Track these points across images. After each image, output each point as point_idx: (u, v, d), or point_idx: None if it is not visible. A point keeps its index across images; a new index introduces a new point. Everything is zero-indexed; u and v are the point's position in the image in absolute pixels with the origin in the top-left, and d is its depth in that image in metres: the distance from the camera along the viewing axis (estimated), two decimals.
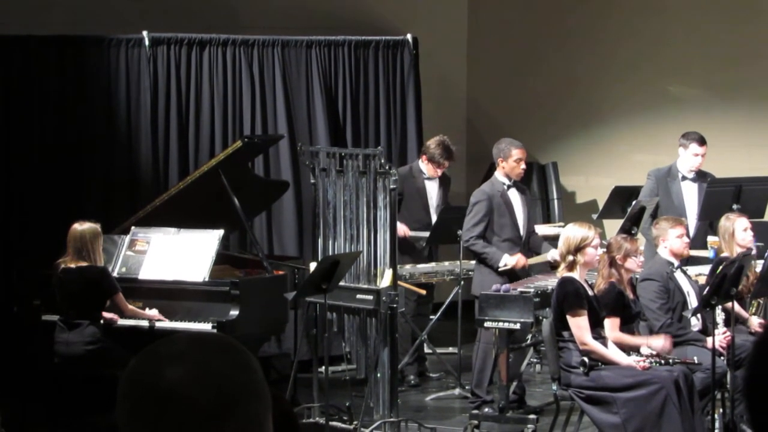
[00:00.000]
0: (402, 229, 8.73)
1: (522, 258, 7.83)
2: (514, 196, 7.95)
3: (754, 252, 7.49)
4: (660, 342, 6.76)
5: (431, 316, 9.31)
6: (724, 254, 7.48)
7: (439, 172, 8.99)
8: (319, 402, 7.58)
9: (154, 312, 7.43)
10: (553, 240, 8.16)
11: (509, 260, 7.77)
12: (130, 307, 7.32)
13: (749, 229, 7.57)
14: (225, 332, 7.00)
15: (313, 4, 10.86)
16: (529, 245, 8.07)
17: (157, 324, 7.39)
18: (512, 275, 7.81)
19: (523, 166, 7.97)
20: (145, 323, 7.41)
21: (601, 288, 6.83)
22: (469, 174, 11.77)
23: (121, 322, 7.36)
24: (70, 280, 7.11)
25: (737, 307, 7.19)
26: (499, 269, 7.77)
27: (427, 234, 8.85)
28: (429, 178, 9.02)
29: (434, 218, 8.96)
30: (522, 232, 7.93)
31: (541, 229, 9.28)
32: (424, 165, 9.00)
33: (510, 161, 7.91)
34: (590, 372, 6.59)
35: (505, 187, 7.92)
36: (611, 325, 6.81)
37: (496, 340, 7.47)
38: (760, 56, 10.45)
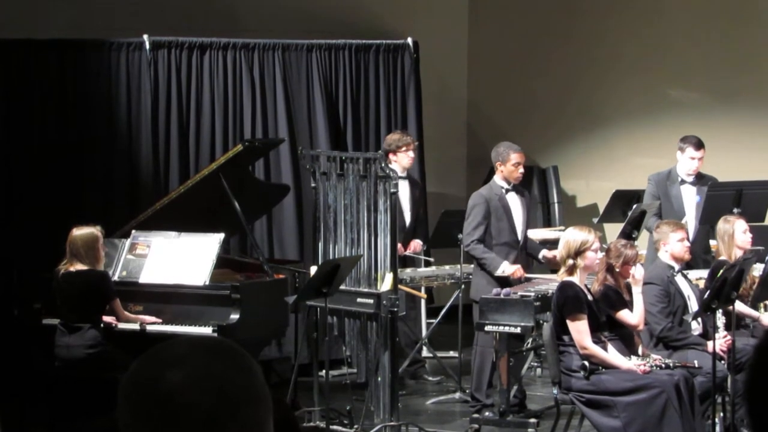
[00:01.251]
0: (415, 245, 8.83)
1: (520, 269, 7.77)
2: (513, 200, 7.93)
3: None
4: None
5: (429, 320, 9.29)
6: (723, 257, 7.48)
7: (411, 154, 8.89)
8: (319, 406, 7.58)
9: (149, 318, 7.42)
10: (553, 244, 8.16)
11: (507, 269, 7.73)
12: (126, 313, 7.32)
13: (748, 231, 7.57)
14: (226, 336, 7.00)
15: (313, 7, 10.86)
16: (527, 249, 8.05)
17: (157, 328, 7.38)
18: (507, 282, 7.77)
19: (521, 169, 7.95)
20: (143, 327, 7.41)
21: (596, 290, 6.82)
22: (470, 177, 11.78)
23: (122, 325, 7.36)
24: (70, 283, 7.11)
25: (741, 308, 7.19)
26: (496, 274, 7.75)
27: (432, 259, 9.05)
28: (401, 177, 8.98)
29: (408, 219, 8.97)
30: (520, 236, 7.91)
31: (541, 233, 9.25)
32: (393, 164, 8.95)
33: (508, 165, 7.89)
34: (591, 376, 6.59)
35: (504, 190, 7.90)
36: (626, 315, 6.78)
37: (497, 344, 7.46)
38: (761, 60, 10.45)
